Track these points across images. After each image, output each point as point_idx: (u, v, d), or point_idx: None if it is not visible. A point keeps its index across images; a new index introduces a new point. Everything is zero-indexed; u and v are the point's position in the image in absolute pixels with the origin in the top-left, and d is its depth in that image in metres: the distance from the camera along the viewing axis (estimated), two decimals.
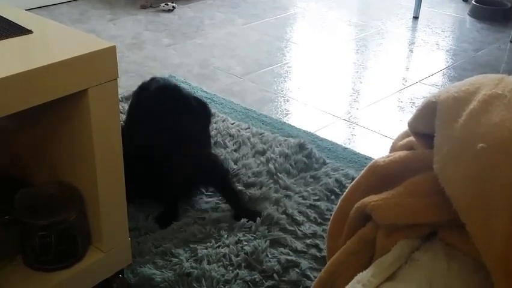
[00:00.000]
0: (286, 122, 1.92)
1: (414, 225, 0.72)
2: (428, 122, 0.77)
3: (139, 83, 2.07)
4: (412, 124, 0.83)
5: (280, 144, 1.69)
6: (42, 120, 1.05)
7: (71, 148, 1.02)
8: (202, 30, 2.78)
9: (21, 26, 0.97)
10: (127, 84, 2.13)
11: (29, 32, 0.96)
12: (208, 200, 1.44)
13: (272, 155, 1.62)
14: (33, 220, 1.01)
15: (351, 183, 0.86)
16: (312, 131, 1.87)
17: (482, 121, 0.68)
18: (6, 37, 0.92)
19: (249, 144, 1.70)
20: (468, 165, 0.67)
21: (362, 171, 0.84)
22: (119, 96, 1.93)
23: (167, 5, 3.01)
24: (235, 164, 1.59)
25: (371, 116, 2.02)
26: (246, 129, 1.81)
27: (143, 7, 3.04)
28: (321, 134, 1.86)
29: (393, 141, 0.93)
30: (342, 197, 0.86)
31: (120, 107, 1.78)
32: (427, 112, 0.79)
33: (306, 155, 1.63)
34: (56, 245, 1.04)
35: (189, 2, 3.18)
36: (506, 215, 0.62)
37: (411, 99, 2.16)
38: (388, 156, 0.82)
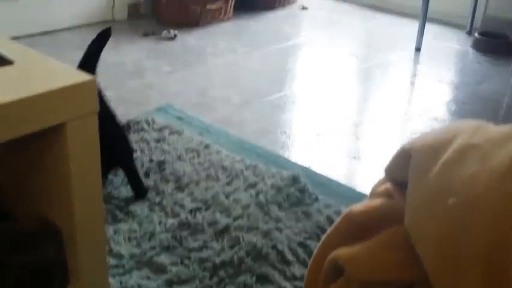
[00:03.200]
0: (282, 155, 1.91)
1: (388, 281, 0.69)
2: (403, 171, 0.74)
3: (137, 112, 2.10)
4: (388, 171, 0.81)
5: (273, 176, 1.68)
6: (22, 151, 1.04)
7: (50, 181, 1.01)
8: (203, 59, 2.80)
9: (3, 56, 0.97)
10: (124, 112, 2.13)
11: (9, 63, 0.96)
12: (197, 238, 1.43)
13: (264, 187, 1.61)
14: (9, 258, 0.99)
15: (327, 231, 0.84)
16: (307, 166, 1.86)
17: (455, 173, 0.65)
18: None
19: (241, 177, 1.69)
20: (439, 223, 0.64)
21: (337, 219, 0.82)
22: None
23: (169, 32, 3.04)
24: (227, 198, 1.58)
25: (370, 151, 2.00)
26: (240, 161, 1.80)
27: (146, 35, 3.07)
28: (317, 168, 1.85)
29: (373, 185, 0.92)
30: (318, 244, 0.84)
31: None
32: (402, 160, 0.77)
33: (299, 189, 1.62)
34: (32, 285, 1.03)
35: (192, 30, 3.21)
36: (477, 285, 0.59)
37: (412, 134, 2.15)
38: (364, 205, 0.80)
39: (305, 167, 1.83)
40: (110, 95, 2.29)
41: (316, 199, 1.60)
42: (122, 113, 2.12)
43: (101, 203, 1.01)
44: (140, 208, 1.52)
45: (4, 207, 1.18)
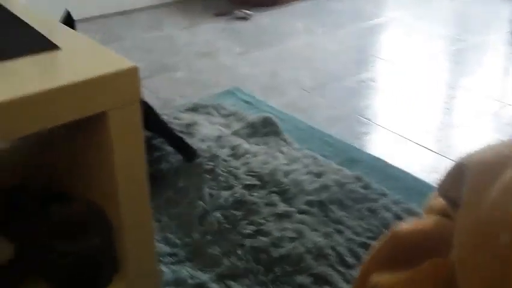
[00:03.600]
0: (353, 144, 1.77)
1: None
2: (458, 189, 0.60)
3: (206, 94, 2.04)
4: (442, 187, 0.66)
5: (335, 173, 1.55)
6: (75, 135, 1.00)
7: (97, 168, 0.96)
8: (277, 40, 2.69)
9: (51, 41, 0.92)
10: (193, 93, 2.08)
11: (57, 48, 0.91)
12: (252, 221, 1.34)
13: (325, 180, 1.49)
14: (57, 244, 0.96)
15: (372, 249, 0.72)
16: (381, 156, 1.70)
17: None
18: (35, 53, 0.88)
19: (301, 163, 1.57)
20: (485, 263, 0.51)
21: (382, 238, 0.70)
22: (184, 108, 1.89)
23: (242, 12, 2.96)
24: (285, 176, 1.47)
25: (456, 143, 1.81)
26: (299, 149, 1.69)
27: (219, 14, 3.00)
28: (392, 159, 1.69)
29: (428, 198, 0.77)
30: (361, 265, 0.72)
31: (185, 117, 1.74)
32: (456, 177, 0.62)
33: (364, 185, 1.48)
34: (80, 273, 0.99)
35: (267, 10, 3.10)
36: None
37: (508, 125, 1.92)
38: (414, 224, 0.67)
39: (378, 158, 1.68)
40: (179, 76, 2.26)
41: (384, 194, 1.45)
42: (191, 94, 2.07)
43: (146, 191, 0.95)
44: (189, 178, 1.46)
45: (59, 188, 1.16)
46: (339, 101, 2.07)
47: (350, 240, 1.29)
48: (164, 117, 1.69)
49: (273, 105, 2.00)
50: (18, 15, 1.12)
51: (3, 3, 1.19)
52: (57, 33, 1.01)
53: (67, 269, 0.99)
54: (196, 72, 2.30)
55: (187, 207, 1.38)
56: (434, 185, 1.53)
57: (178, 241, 1.29)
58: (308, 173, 1.51)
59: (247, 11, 2.97)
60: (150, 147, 1.51)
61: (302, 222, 1.33)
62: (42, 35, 0.98)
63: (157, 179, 1.48)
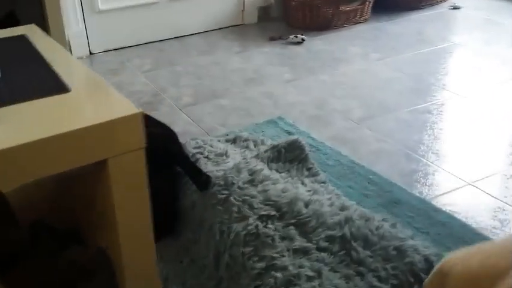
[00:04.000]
0: (399, 183, 1.65)
1: None
2: None
3: (248, 122, 2.00)
4: None
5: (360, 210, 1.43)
6: (86, 179, 0.98)
7: (103, 212, 0.93)
8: (328, 66, 2.61)
9: (63, 84, 0.92)
10: (235, 123, 2.04)
11: (67, 91, 0.90)
12: (264, 255, 1.25)
13: (352, 213, 1.37)
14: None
15: None
16: (428, 198, 1.58)
17: None
18: (44, 96, 0.87)
19: (324, 195, 1.48)
20: None
21: None
22: (224, 138, 1.85)
23: (296, 37, 2.90)
24: (306, 207, 1.36)
25: None
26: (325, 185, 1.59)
27: (273, 39, 2.97)
28: (441, 202, 1.56)
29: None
30: None
31: (224, 148, 1.67)
32: (438, 285, 0.52)
33: (391, 224, 1.36)
34: None
35: (321, 34, 3.03)
36: None
37: None
38: None
39: (425, 201, 1.56)
40: (225, 103, 2.23)
41: (412, 236, 1.33)
42: (233, 124, 2.03)
43: (150, 238, 0.91)
44: (203, 212, 1.38)
45: (75, 227, 1.15)
46: (389, 134, 1.96)
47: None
48: (196, 145, 1.66)
49: (315, 137, 1.92)
50: (42, 51, 1.12)
51: (31, 38, 1.21)
52: (72, 73, 1.00)
53: None
54: (242, 99, 2.27)
55: (203, 248, 1.32)
56: (488, 235, 1.40)
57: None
58: (331, 204, 1.41)
59: (302, 35, 2.91)
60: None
61: (322, 260, 1.23)
62: (57, 76, 0.97)
63: (179, 215, 1.44)
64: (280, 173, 1.56)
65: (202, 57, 2.75)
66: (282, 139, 1.71)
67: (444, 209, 1.52)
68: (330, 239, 1.28)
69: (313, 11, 3.05)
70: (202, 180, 1.38)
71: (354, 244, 1.26)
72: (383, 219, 1.37)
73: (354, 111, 2.13)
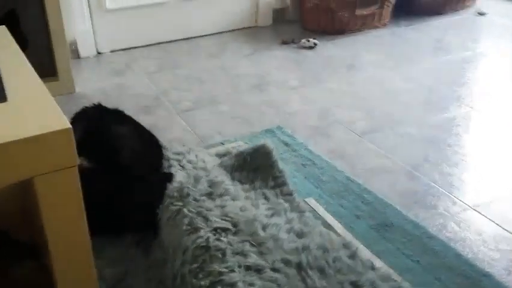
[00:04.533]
0: (394, 205, 1.55)
1: None
2: None
3: (246, 131, 1.93)
4: None
5: (320, 234, 1.34)
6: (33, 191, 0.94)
7: (42, 228, 0.88)
8: (338, 73, 2.52)
9: (2, 92, 0.87)
10: (232, 131, 1.98)
11: (3, 100, 0.85)
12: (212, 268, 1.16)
13: (307, 241, 1.28)
14: None
15: None
16: (424, 223, 1.48)
17: None
18: None
19: (284, 217, 1.39)
20: None
21: None
22: (215, 150, 1.78)
23: (308, 41, 2.82)
24: (263, 230, 1.28)
25: None
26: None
27: (285, 42, 2.89)
28: (437, 230, 1.46)
29: None
30: None
31: (218, 161, 1.60)
32: None
33: (350, 255, 1.27)
34: None
35: (336, 38, 2.93)
36: None
37: None
38: None
39: (421, 226, 1.46)
40: (224, 110, 2.17)
41: (373, 268, 1.23)
42: (230, 132, 1.97)
43: (87, 259, 0.85)
44: (160, 227, 1.31)
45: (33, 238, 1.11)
46: (392, 150, 1.86)
47: None
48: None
49: (312, 150, 1.84)
50: (2, 59, 1.08)
51: None
52: (20, 82, 0.95)
53: None
54: (242, 106, 2.20)
55: (160, 267, 1.25)
56: (484, 267, 1.30)
57: None
58: (290, 231, 1.32)
59: (314, 40, 2.82)
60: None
61: (275, 281, 1.15)
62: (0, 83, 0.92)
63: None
64: (243, 184, 1.49)
65: (209, 60, 2.69)
66: (249, 145, 1.63)
67: (439, 236, 1.42)
68: (286, 262, 1.21)
69: (329, 14, 2.96)
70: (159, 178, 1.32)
71: (310, 272, 1.18)
72: (344, 246, 1.29)
73: (358, 123, 2.04)
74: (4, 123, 0.79)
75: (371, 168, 1.75)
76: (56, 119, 0.78)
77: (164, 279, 1.22)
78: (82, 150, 1.43)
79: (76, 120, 1.54)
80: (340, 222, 1.47)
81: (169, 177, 1.40)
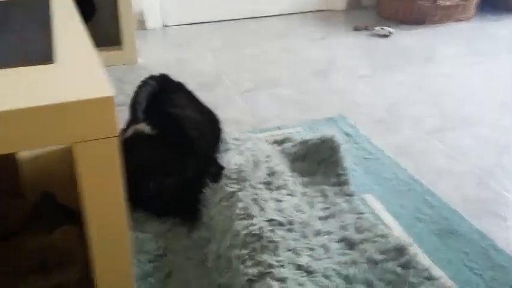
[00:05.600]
0: (459, 210, 1.45)
1: None
2: None
3: (304, 119, 1.87)
4: None
5: (374, 240, 1.26)
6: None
7: (81, 198, 0.87)
8: (411, 65, 2.40)
9: (50, 54, 0.86)
10: (291, 117, 1.93)
11: (49, 62, 0.84)
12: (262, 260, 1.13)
13: (356, 255, 1.22)
14: (28, 282, 0.89)
15: None
16: (492, 234, 1.37)
17: None
18: (22, 64, 0.82)
19: (338, 218, 1.32)
20: None
21: None
22: (272, 137, 1.73)
23: (383, 29, 2.71)
24: (315, 236, 1.22)
25: None
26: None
27: (357, 29, 2.79)
28: (507, 241, 1.35)
29: None
30: None
31: (274, 148, 1.56)
32: None
33: (403, 264, 1.19)
34: None
35: (413, 28, 2.80)
36: None
37: None
38: None
39: (487, 237, 1.36)
40: (284, 94, 2.12)
41: (429, 278, 1.14)
42: (288, 117, 1.92)
43: (124, 233, 0.83)
44: (210, 208, 1.28)
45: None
46: (462, 151, 1.75)
47: None
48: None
49: (376, 144, 1.76)
50: (55, 17, 1.07)
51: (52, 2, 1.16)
52: (71, 45, 0.94)
53: None
54: (304, 92, 2.14)
55: (210, 249, 1.23)
56: None
57: None
58: (342, 240, 1.26)
59: (389, 28, 2.71)
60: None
61: (322, 286, 1.09)
62: (49, 45, 0.92)
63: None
64: (302, 176, 1.43)
65: (275, 42, 2.64)
66: (316, 135, 1.57)
67: (507, 251, 1.32)
68: (335, 271, 1.15)
69: (408, 2, 2.83)
70: (212, 171, 1.29)
71: (357, 286, 1.12)
72: (398, 253, 1.21)
73: (428, 120, 1.93)
74: (47, 85, 0.77)
75: (437, 169, 1.65)
76: (100, 87, 0.75)
77: (205, 259, 1.20)
78: (145, 116, 1.45)
79: (141, 87, 1.55)
80: (399, 224, 1.39)
81: (220, 172, 1.35)
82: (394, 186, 1.55)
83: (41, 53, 0.85)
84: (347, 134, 1.81)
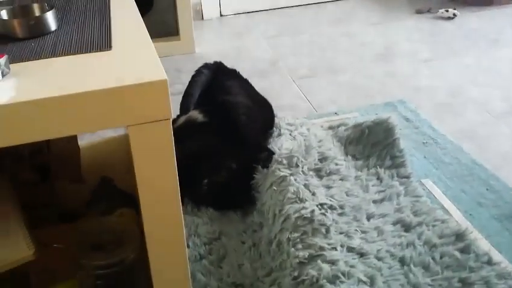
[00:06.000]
0: None
1: None
2: None
3: (363, 104, 1.85)
4: None
5: (433, 224, 1.23)
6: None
7: (135, 182, 0.91)
8: (478, 48, 2.31)
9: (109, 41, 0.90)
10: (349, 102, 1.91)
11: (108, 48, 0.88)
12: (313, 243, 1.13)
13: (413, 237, 1.19)
14: (88, 260, 0.94)
15: None
16: None
17: None
18: (83, 52, 0.87)
19: (394, 201, 1.30)
20: None
21: None
22: (328, 122, 1.72)
23: (447, 11, 2.62)
24: (368, 219, 1.21)
25: None
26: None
27: (419, 12, 2.72)
28: None
29: None
30: None
31: (328, 134, 1.55)
32: None
33: (461, 248, 1.15)
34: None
35: (480, 10, 2.69)
36: None
37: None
38: None
39: None
40: (344, 79, 2.10)
41: (490, 262, 1.10)
42: (346, 103, 1.91)
43: (177, 216, 0.86)
44: (261, 192, 1.29)
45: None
46: None
47: None
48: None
49: (437, 128, 1.71)
50: (112, 7, 1.12)
51: None
52: (126, 36, 0.97)
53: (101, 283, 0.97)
54: (363, 77, 2.11)
55: (263, 233, 1.25)
56: None
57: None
58: (397, 222, 1.24)
59: (454, 10, 2.62)
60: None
61: (378, 269, 1.08)
62: (108, 33, 0.96)
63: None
64: (356, 159, 1.41)
65: (332, 27, 2.62)
66: (370, 117, 1.54)
67: None
68: (389, 253, 1.13)
69: None
70: (262, 157, 1.30)
71: (413, 268, 1.09)
72: (457, 238, 1.17)
73: (494, 104, 1.86)
74: (105, 70, 0.81)
75: (503, 154, 1.59)
76: (154, 71, 0.78)
77: (258, 242, 1.22)
78: (199, 104, 1.49)
79: (194, 77, 1.58)
80: (459, 209, 1.35)
81: (270, 159, 1.36)
82: (455, 170, 1.51)
83: (100, 40, 0.90)
84: (407, 119, 1.77)
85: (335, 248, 1.07)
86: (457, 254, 1.13)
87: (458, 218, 1.31)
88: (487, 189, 1.42)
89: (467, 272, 1.08)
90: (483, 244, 1.20)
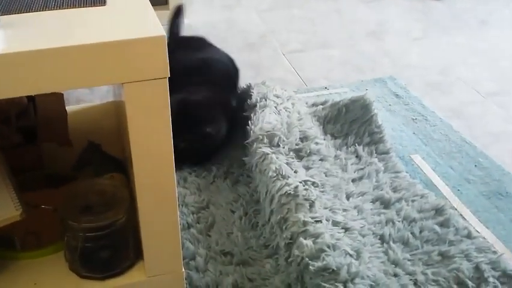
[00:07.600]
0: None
1: None
2: None
3: (353, 79, 1.85)
4: None
5: (413, 199, 1.25)
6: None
7: (127, 140, 0.90)
8: (468, 27, 2.32)
9: None
10: (339, 77, 1.91)
11: (102, 4, 0.86)
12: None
13: (391, 213, 1.21)
14: (77, 222, 0.93)
15: None
16: None
17: None
18: (77, 6, 0.85)
19: (373, 179, 1.32)
20: None
21: None
22: (314, 98, 1.72)
23: None
24: (347, 199, 1.23)
25: None
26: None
27: None
28: None
29: None
30: None
31: (300, 110, 1.55)
32: None
33: (441, 222, 1.17)
34: (101, 252, 0.96)
35: None
36: None
37: None
38: None
39: None
40: (334, 55, 2.09)
41: (470, 236, 1.13)
42: (337, 78, 1.91)
43: (170, 178, 0.86)
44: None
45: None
46: None
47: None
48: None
49: (427, 105, 1.72)
50: None
51: None
52: None
53: (88, 247, 0.96)
54: (354, 53, 2.11)
55: (236, 206, 1.26)
56: None
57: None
58: (376, 199, 1.25)
59: None
60: None
61: (363, 244, 1.09)
62: None
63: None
64: (335, 138, 1.42)
65: (325, 2, 2.60)
66: (347, 96, 1.55)
67: None
68: (370, 231, 1.15)
69: None
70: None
71: (392, 245, 1.11)
72: (436, 212, 1.19)
73: (484, 83, 1.88)
74: (100, 25, 0.79)
75: (492, 133, 1.61)
76: (152, 27, 0.77)
77: (249, 212, 1.23)
78: None
79: None
80: (447, 185, 1.37)
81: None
82: (444, 147, 1.52)
83: None
84: (396, 95, 1.78)
85: (320, 221, 1.07)
86: (437, 228, 1.15)
87: (446, 194, 1.33)
88: (476, 166, 1.44)
89: (447, 246, 1.10)
90: (464, 218, 1.22)
